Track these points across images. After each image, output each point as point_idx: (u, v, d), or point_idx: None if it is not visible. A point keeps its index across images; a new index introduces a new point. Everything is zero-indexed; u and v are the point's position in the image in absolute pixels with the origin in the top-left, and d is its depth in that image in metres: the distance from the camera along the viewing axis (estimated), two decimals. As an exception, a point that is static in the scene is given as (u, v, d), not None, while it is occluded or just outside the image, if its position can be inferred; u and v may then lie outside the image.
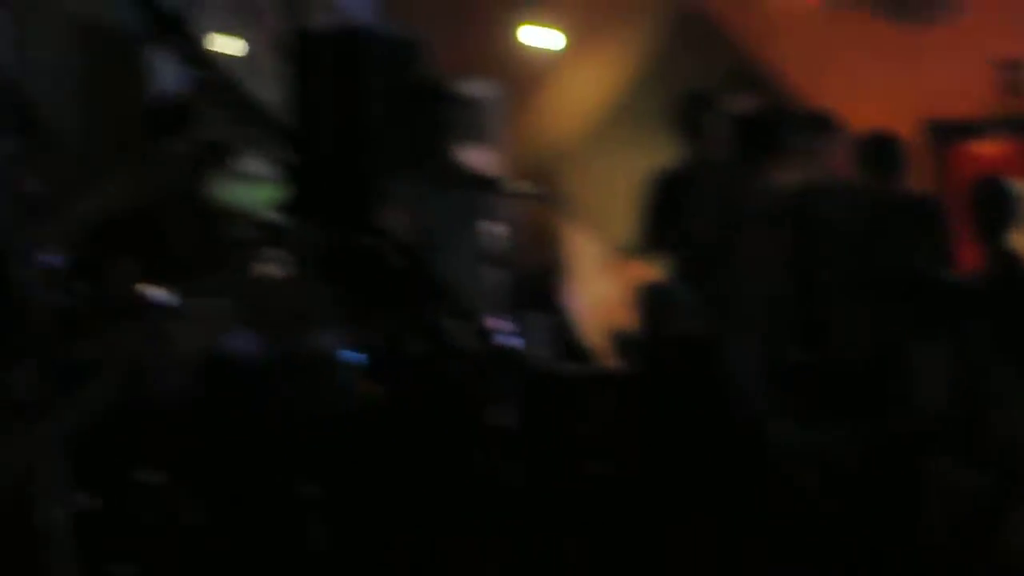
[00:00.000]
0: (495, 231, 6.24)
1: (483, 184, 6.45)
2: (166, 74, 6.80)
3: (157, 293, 4.61)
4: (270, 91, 8.48)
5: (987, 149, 10.14)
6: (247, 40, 8.35)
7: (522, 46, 10.78)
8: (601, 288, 10.11)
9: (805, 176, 7.84)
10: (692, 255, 7.80)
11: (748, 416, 6.28)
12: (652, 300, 6.85)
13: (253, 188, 7.49)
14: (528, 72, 10.82)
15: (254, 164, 6.86)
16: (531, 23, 10.74)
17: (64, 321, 2.65)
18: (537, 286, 9.08)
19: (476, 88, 10.46)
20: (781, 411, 6.61)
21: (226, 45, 8.20)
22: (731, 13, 10.75)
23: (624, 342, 9.15)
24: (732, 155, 7.86)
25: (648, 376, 6.59)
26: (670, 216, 8.02)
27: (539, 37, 10.77)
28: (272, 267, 4.98)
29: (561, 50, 10.84)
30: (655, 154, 8.40)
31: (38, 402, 2.31)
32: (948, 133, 10.22)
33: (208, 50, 1.97)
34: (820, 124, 8.02)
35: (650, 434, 6.23)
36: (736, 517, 6.04)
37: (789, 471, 6.20)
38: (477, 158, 9.92)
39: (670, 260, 7.99)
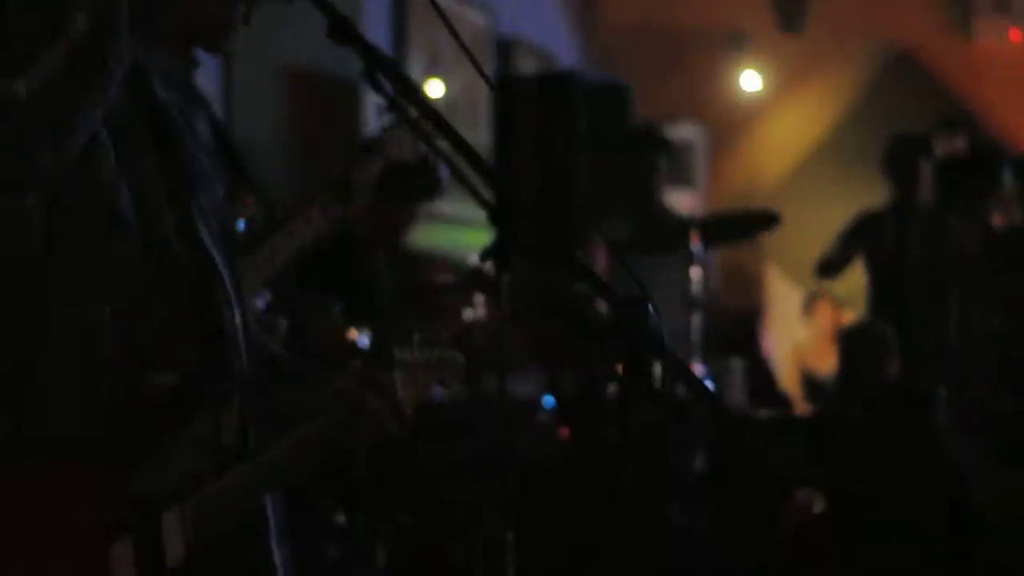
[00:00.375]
0: (695, 274, 6.22)
1: (686, 226, 6.42)
2: (376, 117, 6.92)
3: (360, 337, 4.67)
4: (478, 134, 8.59)
5: None
6: (455, 83, 8.45)
7: (729, 89, 10.76)
8: (798, 332, 10.03)
9: (1019, 219, 7.70)
10: (893, 300, 7.69)
11: (955, 462, 6.16)
12: (857, 344, 6.75)
13: (458, 231, 7.56)
14: (734, 115, 10.80)
15: (460, 207, 6.93)
16: (738, 66, 10.72)
17: (270, 364, 2.71)
18: (734, 330, 9.03)
19: (682, 131, 10.47)
20: (989, 458, 6.47)
21: (434, 88, 8.32)
22: (938, 54, 10.61)
23: (821, 387, 9.05)
24: (943, 198, 7.73)
25: (846, 422, 6.50)
26: (862, 247, 7.92)
27: (746, 80, 10.74)
28: (473, 311, 5.02)
29: (768, 93, 10.80)
30: (859, 198, 8.31)
31: (246, 448, 2.36)
32: None
33: (419, 93, 2.00)
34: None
35: (847, 479, 6.14)
36: (938, 565, 5.92)
37: (996, 518, 6.07)
38: (682, 201, 9.92)
39: (873, 302, 7.89)
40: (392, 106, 2.30)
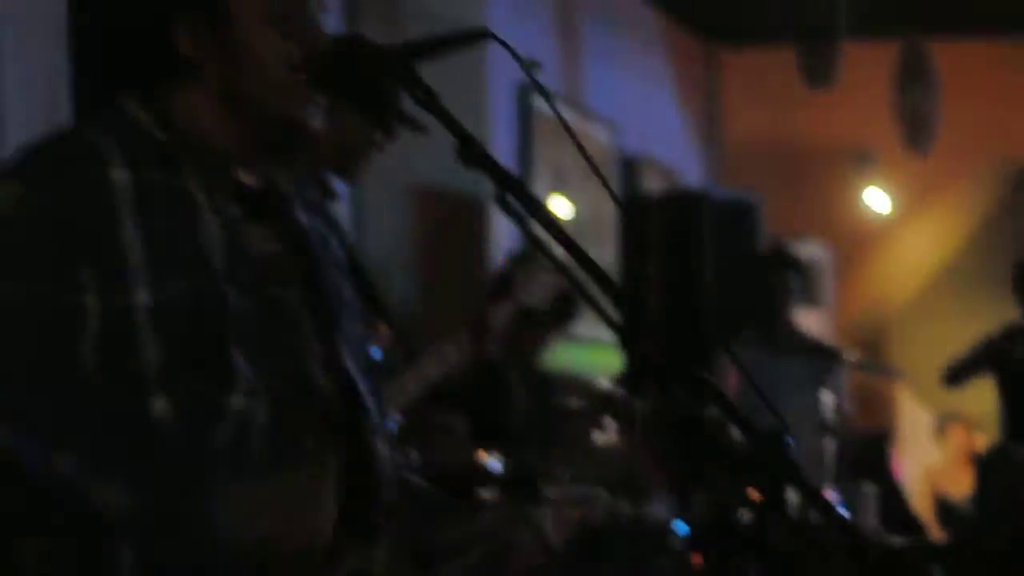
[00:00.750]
0: (826, 397, 6.12)
1: (816, 349, 6.34)
2: (505, 237, 6.93)
3: (492, 462, 4.65)
4: (605, 252, 8.59)
5: None
6: (582, 200, 8.48)
7: (855, 208, 10.71)
8: (930, 456, 9.88)
9: None
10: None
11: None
12: (997, 469, 6.60)
13: (590, 351, 7.54)
14: (860, 234, 10.74)
15: (591, 327, 6.90)
16: (864, 185, 10.68)
17: (414, 496, 2.69)
18: (865, 453, 8.89)
19: (809, 250, 10.40)
20: None
21: (560, 206, 8.34)
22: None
23: (956, 512, 8.86)
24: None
25: (986, 550, 6.34)
26: (993, 367, 7.78)
27: (872, 199, 10.70)
28: (605, 435, 4.98)
29: (894, 211, 10.74)
30: (988, 317, 8.19)
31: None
32: None
33: (547, 213, 2.00)
34: None
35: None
36: None
37: None
38: (809, 321, 9.82)
39: (1007, 425, 7.74)
40: (521, 227, 2.28)
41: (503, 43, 2.24)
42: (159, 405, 2.12)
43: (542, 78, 2.26)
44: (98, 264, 2.12)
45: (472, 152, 2.20)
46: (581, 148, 2.26)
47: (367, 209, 6.17)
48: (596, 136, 8.93)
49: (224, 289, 2.18)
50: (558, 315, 5.33)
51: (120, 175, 2.18)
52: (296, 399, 2.22)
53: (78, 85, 4.52)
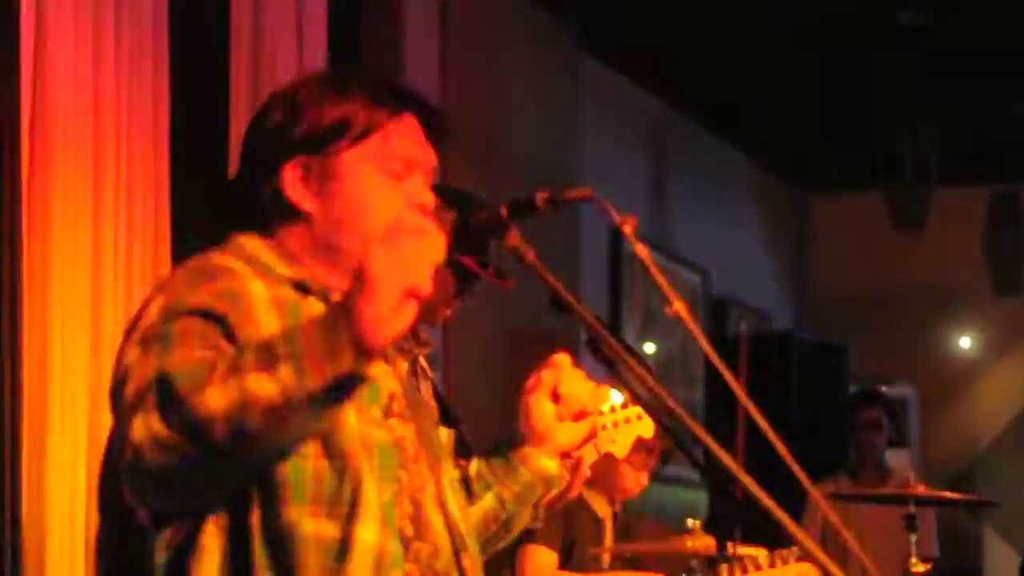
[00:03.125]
0: (913, 536, 6.12)
1: (905, 490, 6.34)
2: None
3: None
4: (694, 393, 8.64)
5: None
6: (671, 341, 8.55)
7: (942, 350, 10.71)
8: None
9: None
10: None
11: None
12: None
13: (674, 490, 7.56)
14: (947, 375, 10.72)
15: (675, 467, 6.94)
16: (951, 327, 10.68)
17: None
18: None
19: (897, 390, 10.40)
20: None
21: (650, 347, 8.42)
22: None
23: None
24: None
25: None
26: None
27: (959, 341, 10.70)
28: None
29: (981, 354, 10.73)
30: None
31: None
32: None
33: (636, 358, 2.07)
34: None
35: None
36: None
37: None
38: (896, 461, 9.79)
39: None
40: (610, 371, 2.36)
41: (601, 204, 2.31)
42: (307, 525, 2.17)
43: (637, 226, 2.34)
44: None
45: (563, 303, 2.28)
46: (666, 290, 2.33)
47: (456, 351, 6.21)
48: (685, 280, 9.02)
49: (350, 416, 2.22)
50: (647, 458, 5.38)
51: (258, 287, 2.24)
52: (417, 536, 2.30)
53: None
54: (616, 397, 3.91)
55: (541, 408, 2.52)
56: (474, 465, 2.58)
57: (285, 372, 1.96)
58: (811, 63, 8.39)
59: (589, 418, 2.55)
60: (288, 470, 2.16)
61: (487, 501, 2.56)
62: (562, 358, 2.51)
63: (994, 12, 7.67)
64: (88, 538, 4.26)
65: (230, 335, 2.15)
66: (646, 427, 3.84)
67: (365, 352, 1.97)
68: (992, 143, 9.37)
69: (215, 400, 1.96)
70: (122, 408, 2.09)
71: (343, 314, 1.97)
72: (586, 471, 4.20)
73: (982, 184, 10.22)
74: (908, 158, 8.91)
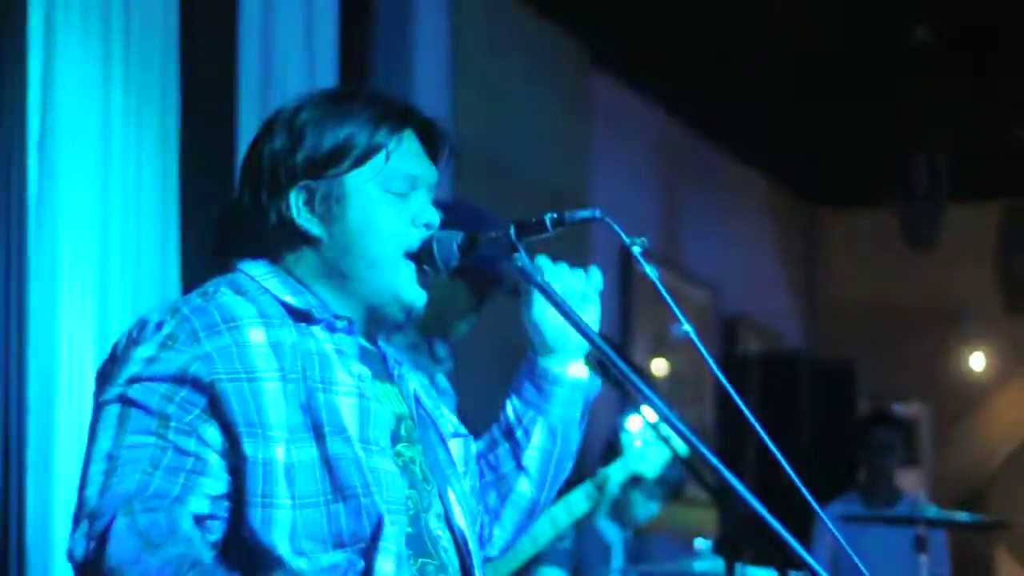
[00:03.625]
0: (924, 559, 6.09)
1: (915, 511, 6.32)
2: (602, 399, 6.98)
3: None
4: (704, 411, 8.63)
5: None
6: (680, 360, 8.53)
7: (954, 368, 10.69)
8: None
9: None
10: None
11: None
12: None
13: (684, 510, 7.53)
14: (959, 394, 10.70)
15: (688, 487, 6.92)
16: (963, 346, 10.66)
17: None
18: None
19: (908, 409, 10.38)
20: None
21: (660, 366, 8.40)
22: None
23: None
24: None
25: None
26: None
27: (971, 360, 10.68)
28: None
29: (993, 372, 10.71)
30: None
31: None
32: None
33: (643, 378, 2.06)
34: None
35: None
36: None
37: None
38: (908, 480, 9.77)
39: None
40: (619, 391, 2.37)
41: (613, 226, 2.32)
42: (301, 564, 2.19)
43: (647, 244, 2.34)
44: (243, 420, 2.21)
45: (574, 323, 2.29)
46: (676, 311, 2.33)
47: (464, 367, 6.23)
48: (695, 297, 9.01)
49: (356, 451, 2.24)
50: (664, 487, 5.37)
51: (257, 335, 2.26)
52: (418, 553, 2.30)
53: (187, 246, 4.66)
54: (649, 416, 3.91)
55: (543, 316, 2.50)
56: (509, 407, 2.56)
57: None
58: (823, 78, 8.38)
59: (592, 306, 2.50)
60: (299, 520, 2.19)
61: (539, 437, 2.54)
62: (541, 259, 2.47)
63: (1007, 26, 7.65)
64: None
65: (216, 407, 2.20)
66: (679, 447, 3.84)
67: None
68: (1005, 159, 9.36)
69: None
70: (83, 480, 2.23)
71: None
72: (615, 488, 4.19)
73: (994, 201, 10.20)
74: (920, 175, 8.88)
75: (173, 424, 2.18)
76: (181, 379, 2.20)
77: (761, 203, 10.52)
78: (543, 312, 2.49)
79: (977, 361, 10.71)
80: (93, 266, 4.38)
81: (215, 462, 2.20)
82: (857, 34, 7.82)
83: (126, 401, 2.21)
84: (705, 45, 7.86)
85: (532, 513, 2.57)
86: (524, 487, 2.54)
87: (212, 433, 2.20)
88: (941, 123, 8.54)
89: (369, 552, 2.21)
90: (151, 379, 2.20)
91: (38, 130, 4.26)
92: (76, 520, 2.20)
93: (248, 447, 2.19)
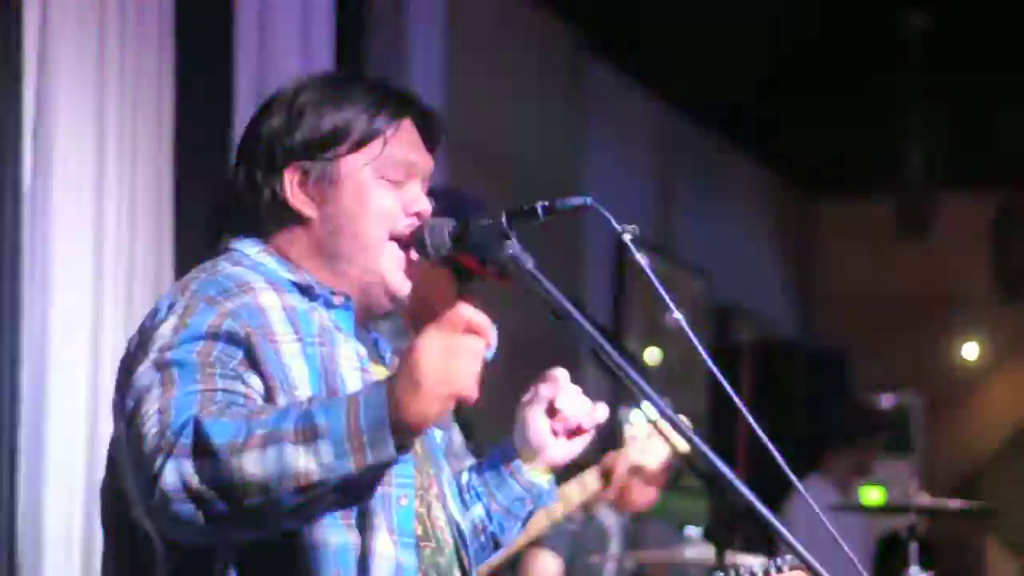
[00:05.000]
0: (913, 544, 6.11)
1: (900, 498, 6.34)
2: (597, 388, 6.99)
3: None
4: (697, 399, 8.63)
5: None
6: (674, 349, 8.54)
7: (947, 357, 10.72)
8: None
9: None
10: None
11: None
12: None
13: (674, 497, 7.55)
14: (952, 383, 10.72)
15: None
16: (957, 335, 10.69)
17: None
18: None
19: (900, 398, 10.40)
20: None
21: (653, 355, 8.41)
22: None
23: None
24: None
25: None
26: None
27: (964, 349, 10.71)
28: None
29: (986, 362, 10.73)
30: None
31: None
32: None
33: (636, 363, 2.06)
34: None
35: None
36: None
37: None
38: (899, 468, 9.79)
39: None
40: (614, 381, 2.38)
41: (604, 213, 2.34)
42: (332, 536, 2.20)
43: (638, 231, 2.35)
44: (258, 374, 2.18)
45: (562, 311, 2.30)
46: (668, 301, 2.34)
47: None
48: (688, 285, 9.01)
49: None
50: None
51: (270, 297, 2.26)
52: (424, 536, 2.32)
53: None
54: (648, 408, 3.93)
55: (536, 422, 2.53)
56: (465, 475, 2.58)
57: (325, 451, 2.00)
58: (817, 67, 8.39)
59: (584, 436, 2.54)
60: None
61: (475, 512, 2.56)
62: (560, 372, 2.51)
63: (1002, 16, 7.66)
64: (85, 545, 4.25)
65: (252, 358, 2.18)
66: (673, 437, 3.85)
67: (406, 443, 2.04)
68: (999, 149, 9.37)
69: (254, 467, 1.99)
70: (138, 433, 2.08)
71: (387, 398, 2.01)
72: (619, 480, 4.21)
73: (988, 191, 10.21)
74: (914, 164, 8.90)
75: (219, 371, 2.14)
76: (215, 334, 2.17)
77: (756, 192, 10.53)
78: (538, 418, 2.52)
79: (970, 351, 10.74)
80: (87, 258, 4.38)
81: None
82: (853, 23, 7.83)
83: (162, 364, 2.14)
84: (701, 35, 7.87)
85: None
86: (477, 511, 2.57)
87: (255, 380, 2.18)
88: (936, 113, 8.56)
89: (369, 529, 2.22)
90: (184, 341, 2.15)
91: (32, 120, 4.26)
92: (144, 465, 2.05)
93: (281, 402, 2.18)
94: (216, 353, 2.15)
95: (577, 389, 2.51)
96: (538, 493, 2.57)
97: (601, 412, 2.53)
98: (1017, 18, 7.64)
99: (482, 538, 2.57)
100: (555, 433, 2.53)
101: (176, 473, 2.01)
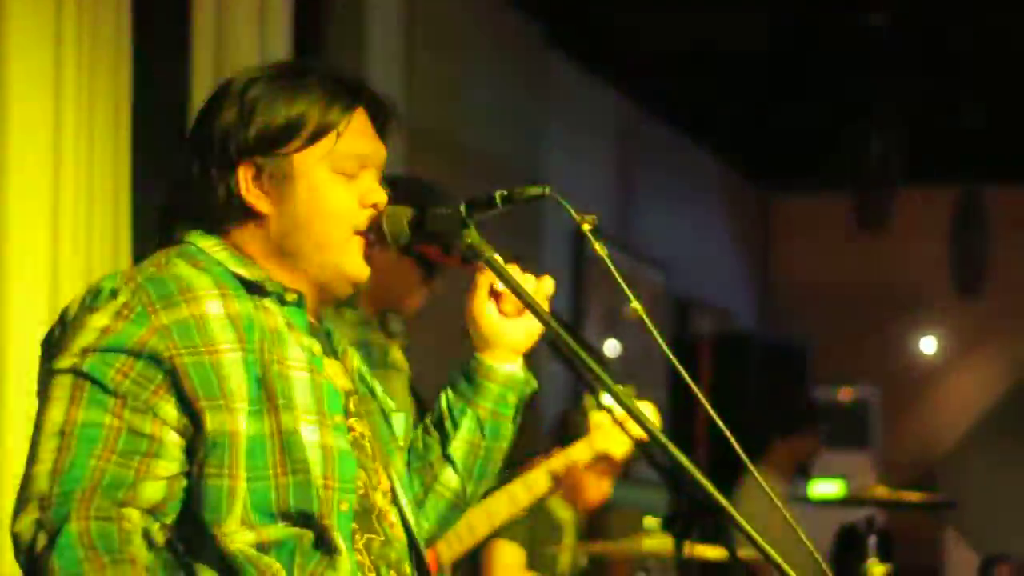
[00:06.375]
0: (872, 538, 6.13)
1: (858, 491, 6.36)
2: (555, 377, 6.98)
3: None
4: (656, 392, 8.64)
5: None
6: (633, 342, 8.55)
7: (905, 351, 10.77)
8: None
9: None
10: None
11: None
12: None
13: (635, 490, 7.56)
14: (910, 376, 10.78)
15: (636, 466, 6.94)
16: (915, 329, 10.74)
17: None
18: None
19: (859, 392, 10.44)
20: None
21: (612, 347, 8.41)
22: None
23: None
24: None
25: None
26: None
27: (922, 343, 10.76)
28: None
29: (944, 356, 10.78)
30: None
31: None
32: None
33: (597, 354, 2.05)
34: None
35: None
36: None
37: None
38: (858, 461, 9.83)
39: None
40: (572, 370, 2.37)
41: (563, 203, 2.33)
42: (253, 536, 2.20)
43: (598, 224, 2.34)
44: (205, 391, 2.21)
45: (524, 301, 2.29)
46: (628, 292, 2.33)
47: (415, 342, 6.24)
48: (648, 278, 9.02)
49: (308, 426, 2.25)
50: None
51: (214, 307, 2.26)
52: (363, 529, 2.31)
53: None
54: (610, 399, 3.91)
55: (483, 311, 2.49)
56: (443, 398, 2.55)
57: None
58: (777, 63, 8.40)
59: (538, 305, 2.48)
60: (251, 492, 2.20)
61: (466, 428, 2.53)
62: (495, 261, 2.46)
63: (960, 13, 7.69)
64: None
65: (174, 380, 2.20)
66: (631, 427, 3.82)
67: None
68: (957, 144, 9.41)
69: None
70: (30, 472, 2.22)
71: None
72: (581, 469, 4.18)
73: (947, 185, 10.25)
74: (873, 158, 8.92)
75: (129, 403, 2.18)
76: (138, 352, 2.19)
77: (715, 185, 10.55)
78: (483, 306, 2.49)
79: (929, 344, 10.79)
80: (44, 249, 4.35)
81: (171, 440, 2.19)
82: (810, 19, 7.84)
83: (80, 373, 2.20)
84: (661, 28, 7.87)
85: (457, 506, 2.57)
86: (449, 477, 2.54)
87: (168, 410, 2.20)
88: (894, 106, 8.58)
89: (316, 528, 2.21)
90: (106, 350, 2.18)
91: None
92: (23, 499, 2.18)
93: (211, 421, 2.19)
94: (133, 375, 2.18)
95: (513, 266, 2.46)
96: (515, 382, 2.54)
97: (548, 284, 2.49)
98: (977, 15, 7.67)
99: (481, 452, 2.54)
100: (505, 315, 2.49)
101: (27, 539, 2.17)
